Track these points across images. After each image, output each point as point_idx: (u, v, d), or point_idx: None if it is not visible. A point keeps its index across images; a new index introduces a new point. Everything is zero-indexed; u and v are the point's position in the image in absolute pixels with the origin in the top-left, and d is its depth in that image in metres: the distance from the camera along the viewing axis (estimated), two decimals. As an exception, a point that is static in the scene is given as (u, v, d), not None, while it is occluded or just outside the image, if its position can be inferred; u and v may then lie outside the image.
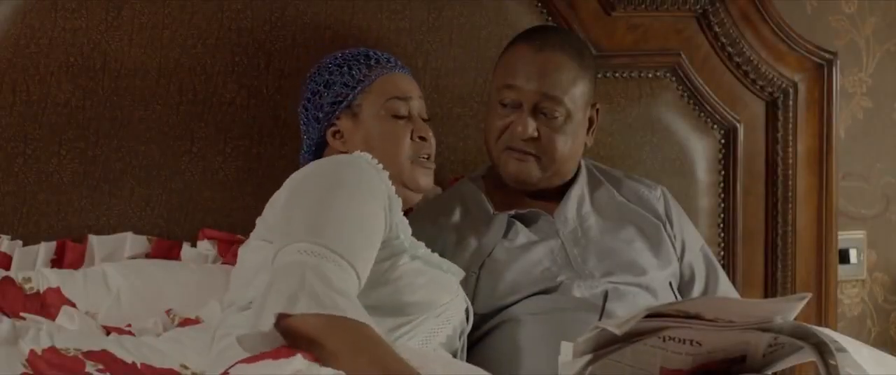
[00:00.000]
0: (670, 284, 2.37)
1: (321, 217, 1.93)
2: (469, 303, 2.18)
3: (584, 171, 2.45)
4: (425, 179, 2.23)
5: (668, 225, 2.44)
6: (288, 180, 2.08)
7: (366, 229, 1.97)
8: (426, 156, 2.23)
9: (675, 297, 2.36)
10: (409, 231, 2.10)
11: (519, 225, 2.35)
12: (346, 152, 2.20)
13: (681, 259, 2.43)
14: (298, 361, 1.77)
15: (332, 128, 2.23)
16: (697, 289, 2.43)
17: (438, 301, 2.07)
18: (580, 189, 2.42)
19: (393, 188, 2.07)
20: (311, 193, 1.98)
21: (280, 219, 2.00)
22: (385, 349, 1.82)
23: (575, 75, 2.33)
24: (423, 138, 2.22)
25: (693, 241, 2.47)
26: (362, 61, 2.24)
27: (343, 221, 1.93)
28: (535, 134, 2.32)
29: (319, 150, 2.27)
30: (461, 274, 2.18)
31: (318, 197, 1.96)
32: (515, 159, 2.34)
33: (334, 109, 2.22)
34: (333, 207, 1.95)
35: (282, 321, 1.80)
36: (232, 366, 1.84)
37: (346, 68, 2.23)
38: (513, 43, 2.38)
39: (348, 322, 1.81)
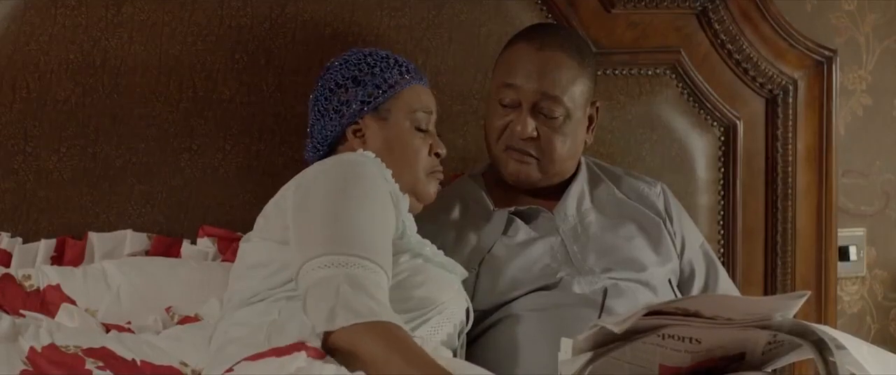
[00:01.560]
0: (670, 281, 2.37)
1: (338, 224, 1.95)
2: (470, 303, 2.18)
3: (584, 168, 2.44)
4: (434, 191, 2.25)
5: (668, 222, 2.44)
6: (295, 182, 2.07)
7: (383, 226, 2.00)
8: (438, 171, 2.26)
9: (675, 294, 2.36)
10: (415, 229, 2.11)
11: (519, 221, 2.35)
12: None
13: (681, 255, 2.43)
14: (301, 358, 1.78)
15: (355, 126, 2.23)
16: (697, 286, 2.43)
17: (439, 298, 2.08)
18: (580, 186, 2.42)
19: (397, 186, 2.08)
20: (322, 202, 1.99)
21: (294, 231, 2.00)
22: (416, 348, 1.84)
23: (575, 74, 2.32)
24: (438, 155, 2.24)
25: (693, 238, 2.47)
26: (393, 66, 2.24)
27: (360, 223, 1.96)
28: (535, 134, 2.32)
29: (334, 144, 2.26)
30: (465, 274, 2.19)
31: (330, 205, 1.98)
32: (515, 160, 2.34)
33: (362, 107, 2.21)
34: (348, 212, 1.97)
35: (326, 338, 1.83)
36: (237, 363, 1.85)
37: (377, 70, 2.22)
38: (512, 41, 2.38)
39: (380, 325, 1.84)
